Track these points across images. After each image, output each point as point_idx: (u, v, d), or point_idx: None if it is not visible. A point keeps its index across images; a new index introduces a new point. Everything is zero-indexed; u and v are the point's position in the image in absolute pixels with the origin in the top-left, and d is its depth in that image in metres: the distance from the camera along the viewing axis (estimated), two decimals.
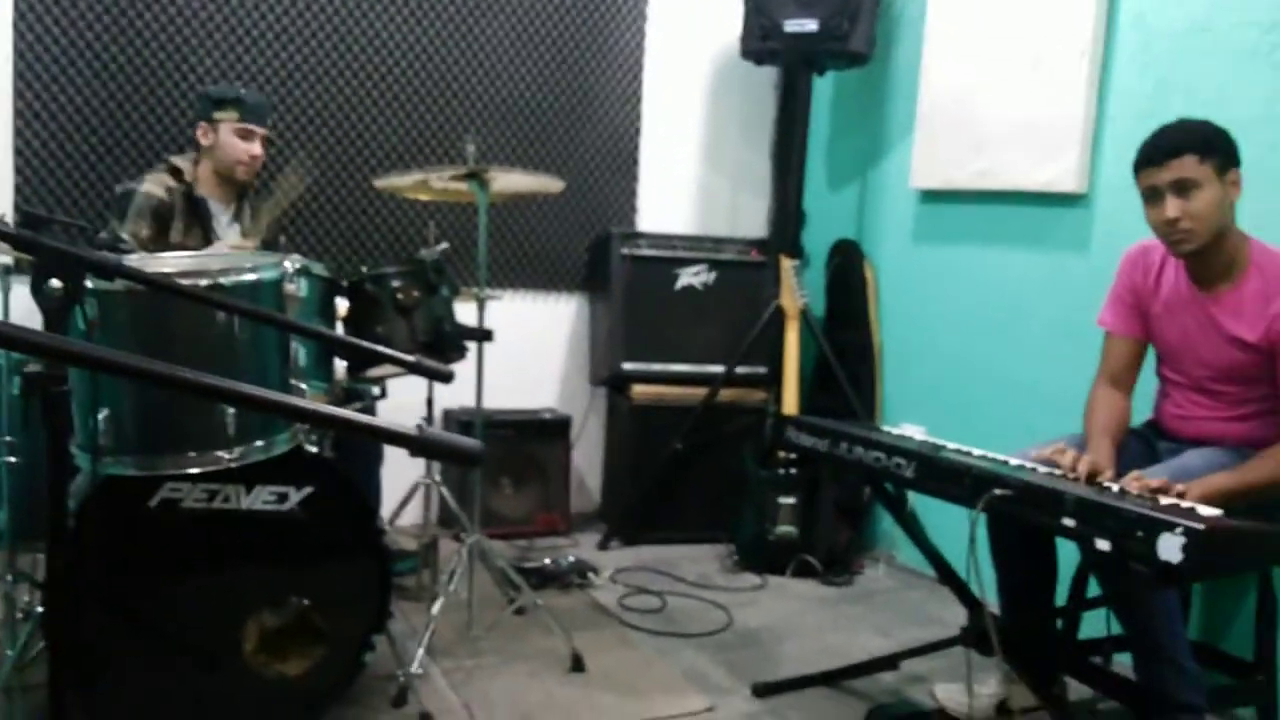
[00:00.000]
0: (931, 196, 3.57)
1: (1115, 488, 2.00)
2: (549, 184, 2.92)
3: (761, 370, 3.74)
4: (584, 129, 3.87)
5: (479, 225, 2.66)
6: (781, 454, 3.42)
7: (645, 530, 3.66)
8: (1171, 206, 2.18)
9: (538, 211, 3.84)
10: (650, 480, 3.62)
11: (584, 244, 3.92)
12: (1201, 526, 1.64)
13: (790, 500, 3.42)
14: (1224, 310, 2.27)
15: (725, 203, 4.16)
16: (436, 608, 2.54)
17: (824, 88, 3.97)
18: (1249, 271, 2.24)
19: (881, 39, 3.64)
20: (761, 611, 3.11)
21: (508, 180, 2.79)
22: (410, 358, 1.79)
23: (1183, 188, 2.17)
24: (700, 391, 3.65)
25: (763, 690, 2.54)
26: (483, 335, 2.62)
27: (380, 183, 2.85)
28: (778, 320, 3.57)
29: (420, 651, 2.44)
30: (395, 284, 2.47)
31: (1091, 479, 2.09)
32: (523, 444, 3.66)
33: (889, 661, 2.57)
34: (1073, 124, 3.00)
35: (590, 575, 3.24)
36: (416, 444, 1.00)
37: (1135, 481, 2.01)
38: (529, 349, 3.83)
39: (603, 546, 3.61)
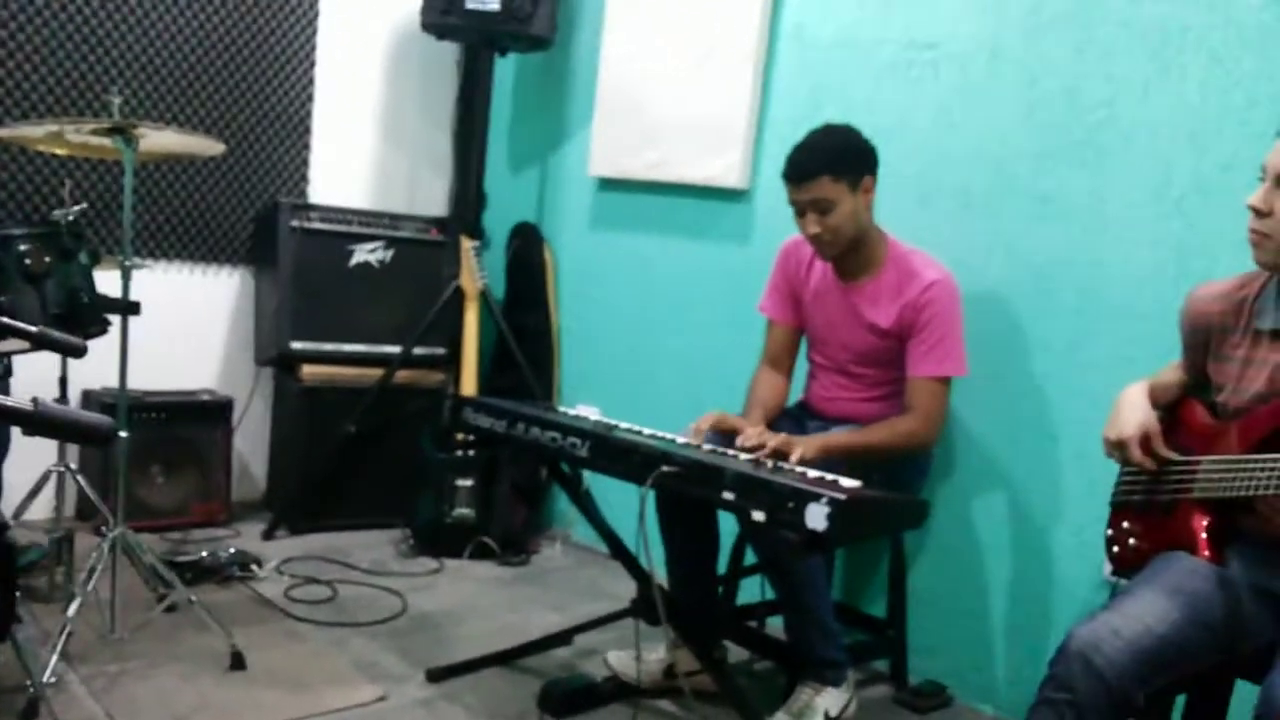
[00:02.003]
0: (608, 184, 3.66)
1: (756, 459, 2.16)
2: (208, 146, 2.69)
3: (440, 351, 3.68)
4: (250, 90, 3.61)
5: (124, 187, 2.41)
6: (459, 436, 3.39)
7: (315, 518, 3.50)
8: (811, 223, 2.39)
9: (197, 176, 3.55)
10: (320, 465, 3.46)
11: (249, 214, 3.68)
12: (843, 497, 1.79)
13: (468, 482, 3.39)
14: (864, 300, 2.50)
15: (404, 179, 4.05)
16: (73, 609, 2.29)
17: (507, 69, 3.96)
18: (886, 266, 2.48)
19: (564, 24, 3.68)
20: (438, 596, 3.07)
21: (160, 139, 2.55)
22: (32, 328, 1.57)
23: (820, 207, 2.37)
24: (375, 372, 3.53)
25: (437, 675, 2.50)
26: (127, 308, 2.38)
27: (5, 132, 2.52)
28: (457, 301, 3.52)
29: (54, 659, 2.20)
30: (22, 248, 2.19)
31: (729, 440, 2.26)
32: (176, 428, 3.38)
33: (563, 637, 2.62)
34: (737, 123, 3.18)
35: (253, 567, 3.05)
36: (31, 420, 0.87)
37: (757, 436, 2.19)
38: (185, 325, 3.55)
39: (268, 536, 3.42)
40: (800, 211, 2.42)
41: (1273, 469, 1.62)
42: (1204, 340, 1.87)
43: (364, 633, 2.74)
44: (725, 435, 2.31)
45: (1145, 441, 1.86)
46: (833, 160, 2.37)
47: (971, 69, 2.71)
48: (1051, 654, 1.65)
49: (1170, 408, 1.94)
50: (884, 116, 2.83)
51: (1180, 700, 1.83)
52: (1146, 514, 1.90)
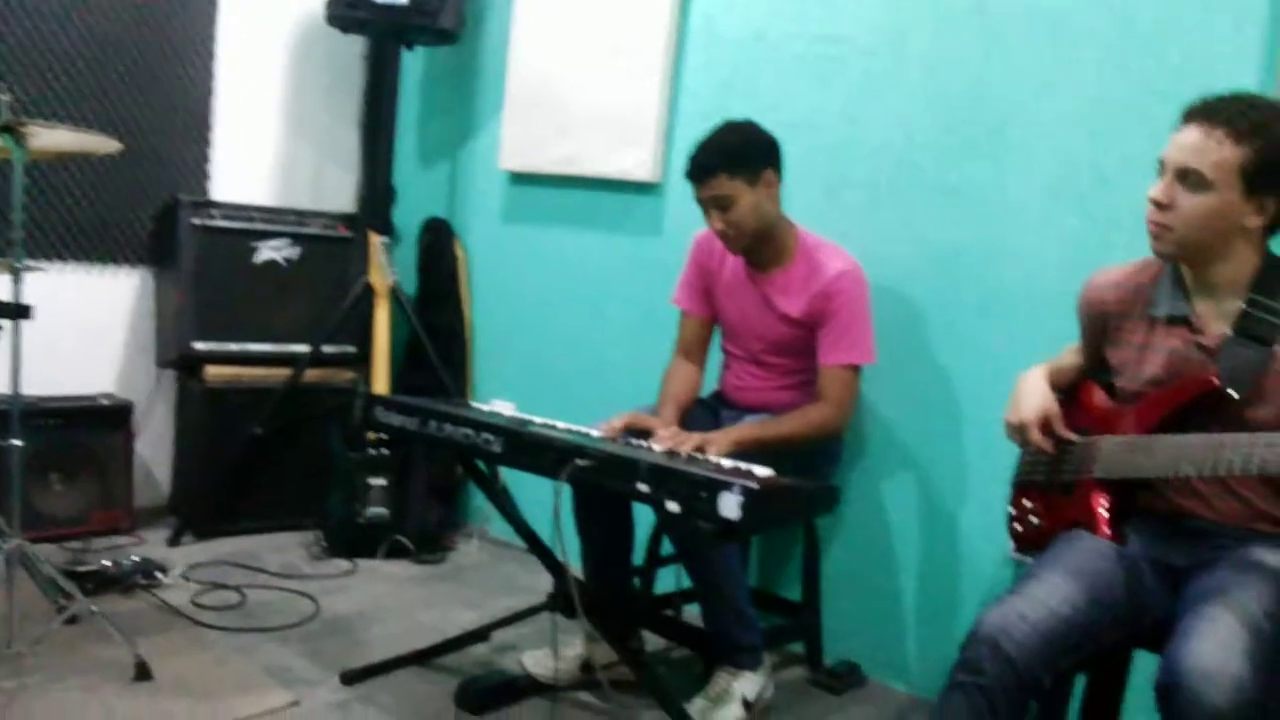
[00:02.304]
0: (520, 178, 3.64)
1: (667, 449, 2.17)
2: (103, 144, 2.60)
3: (350, 349, 3.61)
4: (147, 87, 3.50)
5: (13, 187, 2.32)
6: (372, 435, 3.33)
7: (223, 522, 3.41)
8: (715, 220, 2.42)
9: (93, 174, 3.43)
10: (226, 468, 3.38)
11: (148, 212, 3.56)
12: (756, 485, 1.80)
13: (381, 481, 3.35)
14: (775, 290, 2.53)
15: (310, 175, 3.97)
16: None
17: (414, 62, 3.90)
18: (796, 257, 2.52)
19: (472, 17, 3.65)
20: (351, 597, 3.02)
21: (51, 137, 2.45)
22: None
23: (720, 203, 2.40)
24: (283, 372, 3.46)
25: (351, 677, 2.46)
26: (17, 311, 2.29)
27: None
28: (367, 298, 3.47)
29: None
30: None
31: (644, 435, 2.27)
32: (74, 434, 3.26)
33: (480, 634, 2.59)
34: (648, 116, 3.19)
35: (158, 574, 2.96)
36: None
37: (670, 437, 2.20)
38: (82, 327, 3.42)
39: (174, 543, 3.32)
40: (704, 209, 2.45)
41: (1169, 452, 1.69)
42: (1101, 326, 1.93)
43: (275, 637, 2.69)
44: (639, 435, 2.31)
45: (1045, 424, 1.91)
46: (728, 158, 2.40)
47: (878, 63, 2.76)
48: (960, 631, 1.70)
49: (1069, 390, 2.00)
50: (793, 110, 2.87)
51: (1082, 677, 1.90)
52: (1047, 494, 1.95)
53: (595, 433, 2.29)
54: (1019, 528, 2.01)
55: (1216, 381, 1.71)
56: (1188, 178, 1.66)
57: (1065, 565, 1.74)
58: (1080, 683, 1.92)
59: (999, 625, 1.63)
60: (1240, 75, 2.20)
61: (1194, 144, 1.65)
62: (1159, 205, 1.70)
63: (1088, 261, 2.39)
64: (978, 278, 2.59)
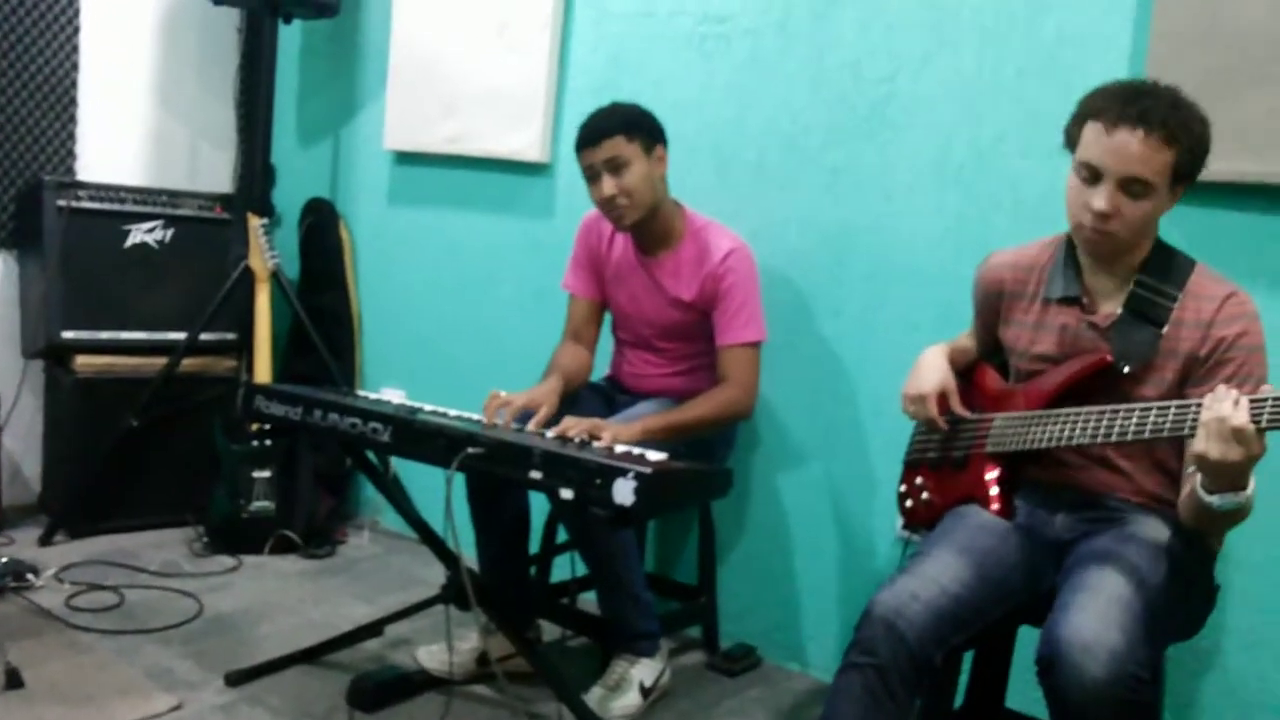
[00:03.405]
0: (405, 158, 3.55)
1: (562, 435, 2.13)
2: None
3: (230, 336, 3.48)
4: (4, 60, 3.29)
5: None
6: (255, 425, 3.22)
7: (97, 520, 3.26)
8: (607, 184, 2.38)
9: None
10: (100, 463, 3.22)
11: (9, 193, 3.36)
12: (649, 470, 1.79)
13: (265, 473, 3.24)
14: (665, 274, 2.51)
15: (184, 153, 3.80)
16: None
17: (292, 36, 3.76)
18: (685, 239, 2.50)
19: None
20: (236, 595, 2.92)
21: None
22: None
23: (615, 166, 2.37)
24: (159, 361, 3.31)
25: (237, 678, 2.38)
26: None
27: None
28: (247, 282, 3.34)
29: None
30: None
31: (529, 417, 2.23)
32: None
33: (372, 629, 2.53)
34: (536, 95, 3.13)
35: (29, 576, 2.82)
36: None
37: (573, 427, 2.15)
38: None
39: (45, 542, 3.16)
40: (594, 176, 2.41)
41: (1060, 423, 1.73)
42: (995, 304, 1.96)
43: (155, 639, 2.58)
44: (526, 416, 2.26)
45: (942, 399, 1.94)
46: (626, 122, 2.39)
47: (763, 43, 2.76)
48: (854, 611, 1.72)
49: (964, 373, 2.04)
50: (681, 90, 2.85)
51: (968, 655, 1.94)
52: (939, 470, 1.99)
53: (483, 419, 2.24)
54: (910, 504, 2.05)
55: (1110, 358, 1.75)
56: (1132, 186, 1.67)
57: (955, 543, 1.78)
58: (967, 659, 1.96)
59: (892, 605, 1.65)
60: (1111, 53, 2.26)
61: (1137, 153, 1.64)
62: (1105, 216, 1.69)
63: (970, 238, 2.45)
64: (864, 257, 2.62)
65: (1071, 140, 1.75)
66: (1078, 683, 1.48)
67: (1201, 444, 1.50)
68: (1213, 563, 1.83)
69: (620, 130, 2.37)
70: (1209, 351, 1.70)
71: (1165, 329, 1.74)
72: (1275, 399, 1.49)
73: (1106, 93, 1.71)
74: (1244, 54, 2.07)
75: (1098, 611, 1.55)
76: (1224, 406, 1.49)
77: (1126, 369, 1.74)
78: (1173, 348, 1.73)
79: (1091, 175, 1.70)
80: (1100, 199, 1.68)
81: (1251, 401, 1.48)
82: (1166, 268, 1.77)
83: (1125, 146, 1.65)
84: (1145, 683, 1.50)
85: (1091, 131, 1.69)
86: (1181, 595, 1.69)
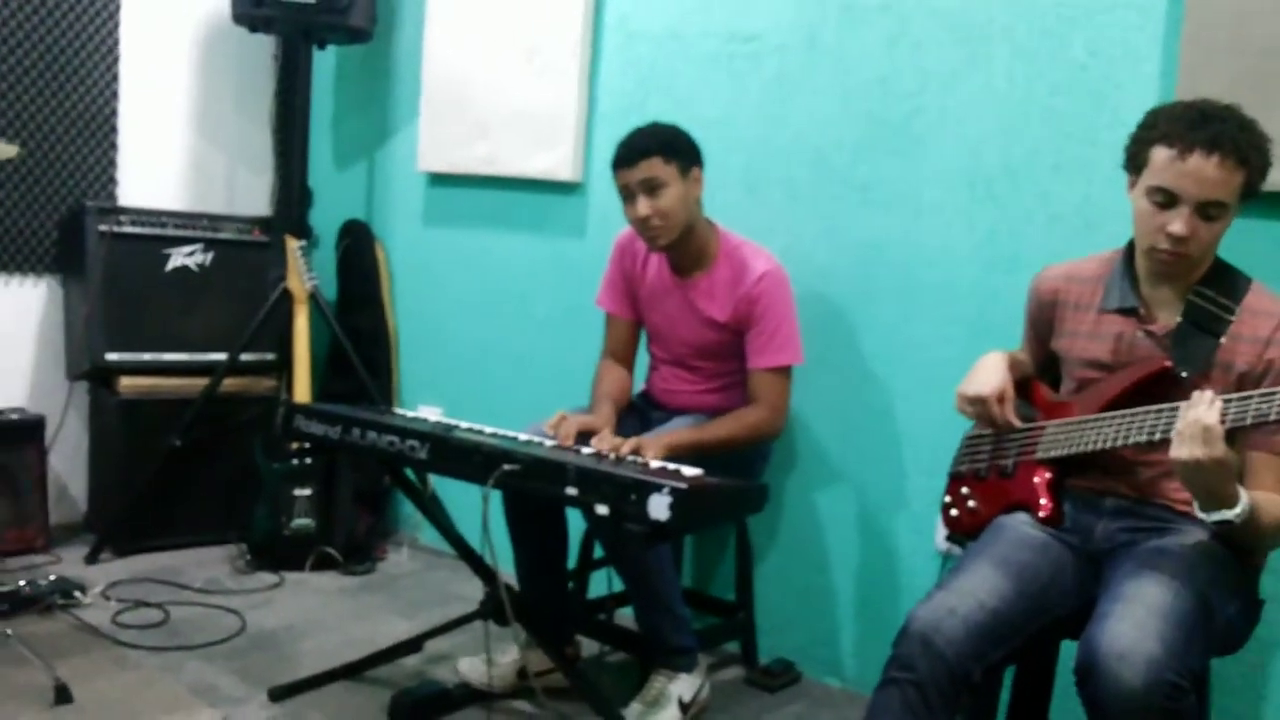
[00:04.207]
0: (439, 179, 3.60)
1: (597, 451, 2.16)
2: (1, 149, 2.51)
3: (270, 357, 3.53)
4: (48, 89, 3.38)
5: None
6: (295, 444, 3.27)
7: (142, 538, 3.32)
8: (643, 205, 2.39)
9: None
10: (145, 482, 3.28)
11: (53, 219, 3.44)
12: (685, 486, 1.81)
13: (306, 491, 3.28)
14: (699, 294, 2.53)
15: (222, 178, 3.88)
16: None
17: (327, 62, 3.83)
18: (719, 260, 2.52)
19: (384, 16, 3.59)
20: (278, 611, 2.96)
21: None
22: None
23: (651, 187, 2.38)
24: (200, 382, 3.36)
25: (279, 694, 2.42)
26: None
27: None
28: (285, 304, 3.39)
29: None
30: None
31: (585, 437, 2.26)
32: None
33: (412, 645, 2.55)
34: (566, 115, 3.17)
35: (76, 594, 2.87)
36: None
37: (606, 444, 2.19)
38: None
39: (91, 560, 3.22)
40: (629, 196, 2.42)
41: (1114, 424, 1.73)
42: (1050, 315, 1.97)
43: (200, 655, 2.63)
44: (585, 439, 2.30)
45: (1001, 401, 1.94)
46: (664, 143, 2.41)
47: (791, 61, 2.78)
48: (893, 626, 1.72)
49: (1018, 385, 2.03)
50: (710, 108, 2.88)
51: (1010, 670, 1.93)
52: (986, 479, 1.99)
53: (523, 436, 2.27)
54: (955, 513, 2.03)
55: (1169, 364, 1.75)
56: (1208, 209, 1.68)
57: (992, 557, 1.78)
58: (1010, 674, 1.96)
59: (929, 621, 1.66)
60: (1142, 66, 2.26)
61: (1214, 178, 1.65)
62: (1183, 239, 1.69)
63: (1002, 253, 2.46)
64: (896, 273, 2.62)
65: (1136, 163, 1.75)
66: (1114, 691, 1.49)
67: (1173, 449, 1.56)
68: (1257, 576, 1.82)
69: (657, 151, 2.39)
70: (1263, 370, 1.70)
71: (1223, 340, 1.74)
72: (1242, 398, 1.54)
73: (1172, 115, 1.71)
74: (1275, 64, 2.06)
75: (1135, 620, 1.55)
76: (1199, 409, 1.54)
77: (1185, 374, 1.74)
78: (1228, 360, 1.73)
79: (1167, 199, 1.70)
80: (1178, 223, 1.68)
81: (1225, 402, 1.54)
82: (1225, 282, 1.77)
83: (1200, 171, 1.65)
84: (1184, 691, 1.50)
85: (1163, 156, 1.69)
86: (1222, 607, 1.68)
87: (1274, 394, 1.54)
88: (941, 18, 2.54)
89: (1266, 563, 1.83)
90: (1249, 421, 1.56)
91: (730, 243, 2.54)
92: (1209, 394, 1.57)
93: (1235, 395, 1.58)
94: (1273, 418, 1.54)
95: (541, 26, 3.21)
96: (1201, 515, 1.62)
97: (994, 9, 2.46)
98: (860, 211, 2.67)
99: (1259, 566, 1.82)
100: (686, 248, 2.50)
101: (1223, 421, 1.54)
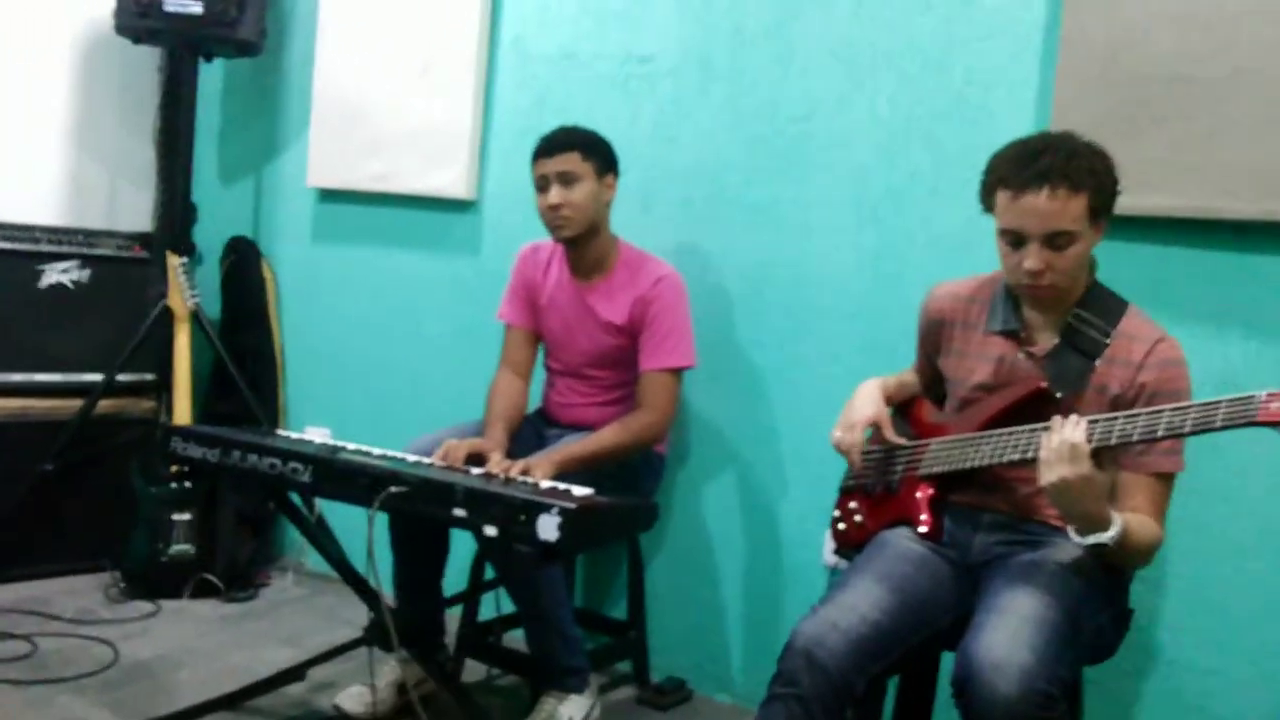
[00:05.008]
0: (329, 196, 3.53)
1: (484, 472, 2.14)
2: None
3: (149, 377, 3.41)
4: None
5: None
6: (174, 467, 3.15)
7: (9, 566, 3.15)
8: (555, 194, 2.45)
9: None
10: (13, 508, 3.12)
11: None
12: (574, 506, 1.79)
13: (185, 516, 3.17)
14: (598, 298, 2.54)
15: (102, 192, 3.73)
16: None
17: (214, 74, 3.73)
18: (618, 265, 2.55)
19: (274, 30, 3.52)
20: (154, 641, 2.85)
21: None
22: None
23: (566, 179, 2.44)
24: (75, 403, 3.23)
25: None
26: None
27: None
28: (166, 322, 3.28)
29: None
30: None
31: (476, 461, 2.24)
32: None
33: (294, 673, 2.47)
34: (461, 133, 3.15)
35: None
36: None
37: (497, 466, 2.18)
38: None
39: None
40: (543, 186, 2.47)
41: (992, 443, 1.78)
42: (937, 334, 2.01)
43: (70, 688, 2.50)
44: (476, 461, 2.27)
45: (875, 430, 1.98)
46: (585, 142, 2.50)
47: (685, 83, 2.81)
48: (782, 641, 1.73)
49: (905, 405, 2.09)
50: (605, 128, 2.84)
51: (894, 681, 1.97)
52: (873, 494, 2.02)
53: (412, 457, 2.23)
54: (842, 527, 2.07)
55: (1044, 384, 1.80)
56: (1055, 240, 1.72)
57: (874, 571, 1.81)
58: (894, 685, 1.99)
59: (812, 636, 1.68)
60: (1018, 93, 2.35)
61: (1050, 210, 1.69)
62: (1038, 273, 1.74)
63: (886, 274, 2.52)
64: (786, 292, 2.66)
65: (986, 206, 1.81)
66: (989, 700, 1.52)
67: (1041, 473, 1.62)
68: (1127, 587, 1.88)
69: (578, 147, 2.47)
70: (1135, 394, 1.75)
71: (1098, 363, 1.79)
72: (1109, 418, 1.60)
73: (1006, 157, 1.77)
74: (1145, 94, 2.16)
75: (1009, 631, 1.59)
76: (1065, 430, 1.61)
77: (1059, 395, 1.79)
78: (1103, 383, 1.78)
79: (1015, 239, 1.76)
80: (1030, 259, 1.73)
81: (1091, 422, 1.60)
82: (1102, 305, 1.82)
83: (1035, 207, 1.70)
84: (1055, 700, 1.54)
85: (1003, 199, 1.75)
86: (1093, 617, 1.74)
87: (1137, 415, 1.60)
88: (827, 43, 2.60)
89: (1135, 575, 1.90)
90: (1114, 441, 1.62)
91: (630, 252, 2.58)
92: (1074, 417, 1.62)
93: (1102, 416, 1.63)
94: (1136, 438, 1.60)
95: (435, 43, 3.19)
96: (1077, 540, 1.67)
97: (877, 35, 2.53)
98: (752, 232, 2.71)
99: (1129, 577, 1.88)
100: (589, 248, 2.53)
101: (1089, 440, 1.59)
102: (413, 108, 3.24)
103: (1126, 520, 1.67)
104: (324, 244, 3.57)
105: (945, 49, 2.45)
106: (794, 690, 1.66)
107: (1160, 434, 1.57)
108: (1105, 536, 1.64)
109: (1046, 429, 1.67)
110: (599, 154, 2.51)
